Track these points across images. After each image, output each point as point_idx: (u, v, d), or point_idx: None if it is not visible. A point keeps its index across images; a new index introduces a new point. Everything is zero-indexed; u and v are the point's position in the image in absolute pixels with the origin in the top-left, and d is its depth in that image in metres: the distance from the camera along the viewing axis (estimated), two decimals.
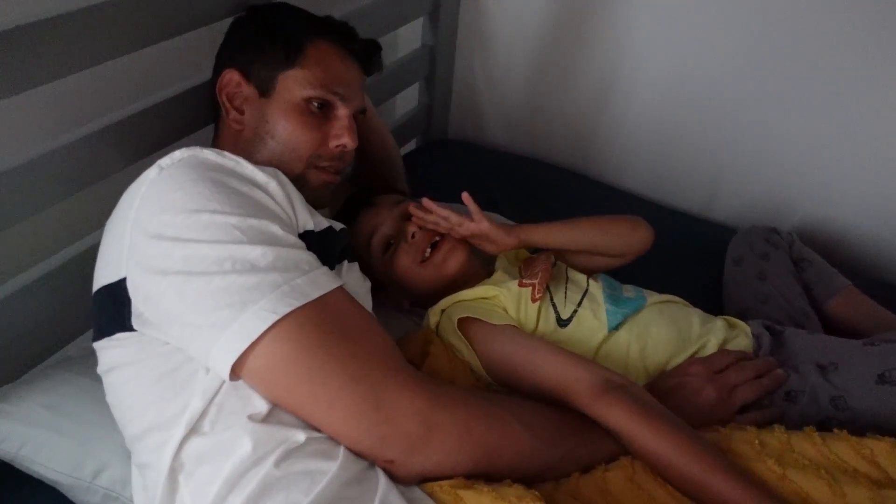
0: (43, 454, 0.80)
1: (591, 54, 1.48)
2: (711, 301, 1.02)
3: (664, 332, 0.91)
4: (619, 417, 0.73)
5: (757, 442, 0.74)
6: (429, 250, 0.93)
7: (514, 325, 0.87)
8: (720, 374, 0.86)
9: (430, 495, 0.67)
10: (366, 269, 0.87)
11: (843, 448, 0.73)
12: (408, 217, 0.96)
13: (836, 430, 0.75)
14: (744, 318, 1.01)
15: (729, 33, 1.32)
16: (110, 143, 0.86)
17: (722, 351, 0.91)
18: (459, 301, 0.92)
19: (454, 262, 0.94)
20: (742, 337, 0.94)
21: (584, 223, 0.98)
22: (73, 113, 0.87)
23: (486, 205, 1.32)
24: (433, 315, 0.93)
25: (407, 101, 1.59)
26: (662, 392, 0.83)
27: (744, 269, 1.15)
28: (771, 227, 1.22)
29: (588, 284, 0.96)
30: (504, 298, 0.90)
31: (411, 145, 1.62)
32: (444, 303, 0.92)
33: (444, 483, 0.67)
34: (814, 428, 0.76)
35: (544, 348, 0.82)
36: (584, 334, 0.90)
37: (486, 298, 0.92)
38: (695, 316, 0.96)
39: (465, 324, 0.88)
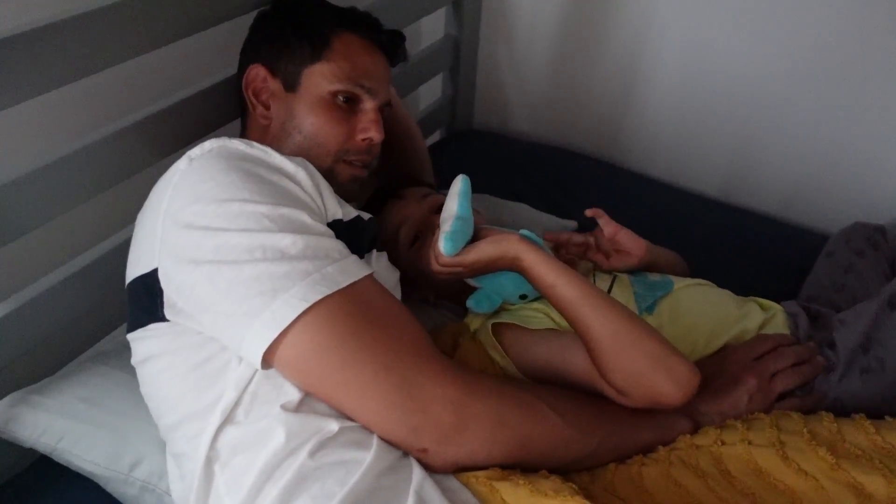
0: (81, 447, 0.81)
1: (613, 41, 1.46)
2: (738, 288, 1.00)
3: (699, 313, 0.90)
4: None
5: (806, 431, 0.71)
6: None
7: (550, 329, 0.85)
8: (759, 360, 0.84)
9: (466, 485, 0.66)
10: (393, 262, 0.86)
11: None
12: (436, 210, 0.94)
13: (888, 418, 0.73)
14: (815, 303, 0.98)
15: (751, 9, 1.28)
16: (139, 139, 0.86)
17: (761, 336, 0.89)
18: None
19: None
20: (778, 316, 0.93)
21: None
22: (102, 110, 0.88)
23: (511, 195, 1.33)
24: (473, 321, 0.91)
25: (431, 92, 1.59)
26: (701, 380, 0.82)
27: (834, 260, 1.11)
28: (878, 225, 1.16)
29: (615, 273, 0.94)
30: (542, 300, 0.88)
31: (436, 136, 1.62)
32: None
33: (480, 474, 0.66)
34: (864, 416, 0.73)
35: (576, 345, 0.79)
36: None
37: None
38: (728, 296, 0.95)
39: (499, 329, 0.86)
